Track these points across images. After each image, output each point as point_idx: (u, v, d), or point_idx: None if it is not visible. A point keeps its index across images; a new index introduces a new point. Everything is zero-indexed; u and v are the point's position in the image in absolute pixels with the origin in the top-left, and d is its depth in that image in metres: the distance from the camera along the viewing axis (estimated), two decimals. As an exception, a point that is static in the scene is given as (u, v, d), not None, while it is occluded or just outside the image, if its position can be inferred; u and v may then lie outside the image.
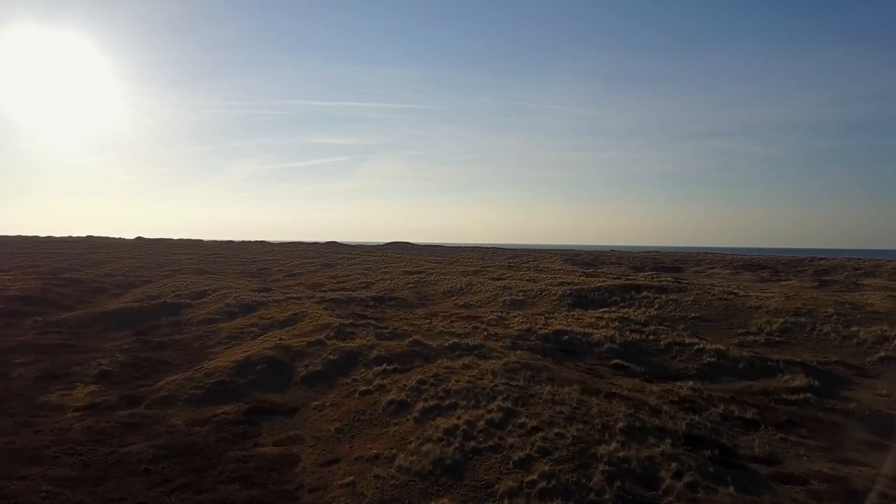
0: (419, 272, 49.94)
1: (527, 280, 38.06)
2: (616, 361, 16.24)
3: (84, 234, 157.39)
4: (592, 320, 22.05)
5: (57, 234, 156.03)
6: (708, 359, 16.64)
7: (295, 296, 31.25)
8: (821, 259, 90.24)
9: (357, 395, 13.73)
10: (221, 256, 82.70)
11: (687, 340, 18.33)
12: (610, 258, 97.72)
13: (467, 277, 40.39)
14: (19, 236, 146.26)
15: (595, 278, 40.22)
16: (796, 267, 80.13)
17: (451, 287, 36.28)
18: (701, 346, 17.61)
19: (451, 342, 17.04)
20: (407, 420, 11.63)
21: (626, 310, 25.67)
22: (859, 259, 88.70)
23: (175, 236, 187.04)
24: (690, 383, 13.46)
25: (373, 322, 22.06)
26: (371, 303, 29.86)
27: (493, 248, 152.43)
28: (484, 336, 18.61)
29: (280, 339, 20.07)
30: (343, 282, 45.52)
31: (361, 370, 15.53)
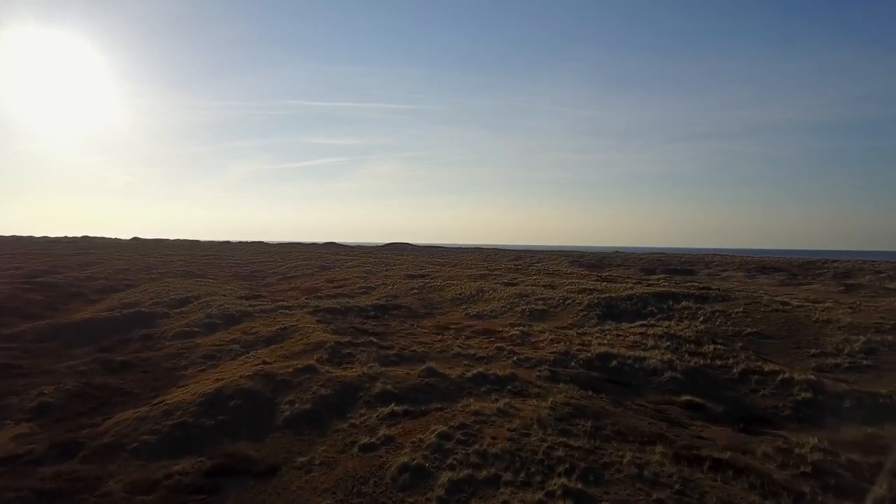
0: (423, 276, 46.48)
1: (543, 286, 34.58)
2: (687, 398, 12.79)
3: (80, 235, 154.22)
4: (636, 338, 18.57)
5: (55, 234, 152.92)
6: (802, 394, 13.18)
7: (286, 304, 27.74)
8: (834, 261, 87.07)
9: (356, 451, 10.23)
10: (215, 258, 79.36)
11: (765, 367, 14.86)
12: (615, 260, 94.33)
13: (477, 282, 36.93)
14: (14, 236, 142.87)
15: (614, 283, 36.80)
16: (813, 269, 76.93)
17: (460, 293, 32.80)
18: (786, 374, 14.15)
19: (474, 371, 13.54)
20: (428, 500, 8.15)
21: (667, 323, 22.19)
22: (874, 261, 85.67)
23: (174, 237, 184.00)
24: (814, 440, 10.00)
25: (374, 339, 18.58)
26: (372, 312, 26.37)
27: (494, 248, 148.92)
28: (513, 362, 15.14)
29: (263, 362, 16.59)
30: (341, 286, 42.04)
31: (362, 411, 12.04)
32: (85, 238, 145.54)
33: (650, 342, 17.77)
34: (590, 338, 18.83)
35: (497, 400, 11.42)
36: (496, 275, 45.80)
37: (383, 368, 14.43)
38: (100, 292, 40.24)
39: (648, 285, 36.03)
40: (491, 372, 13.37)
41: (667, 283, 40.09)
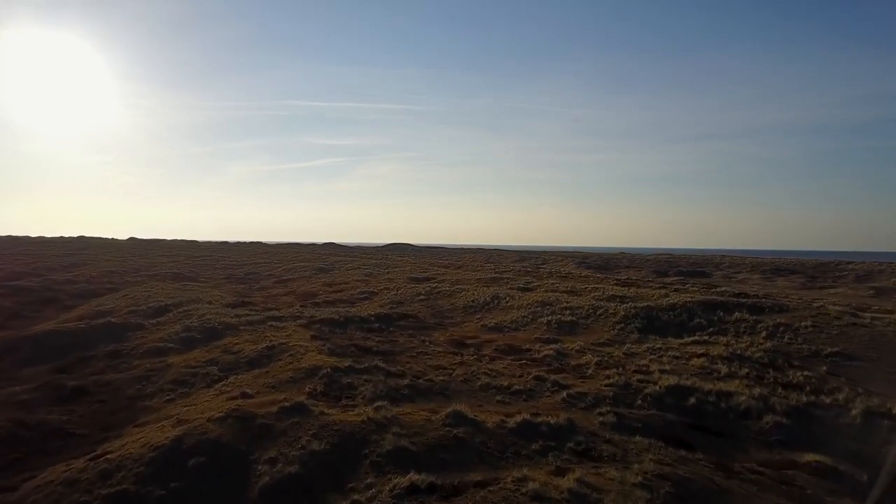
0: (428, 279, 43.15)
1: (564, 292, 31.21)
2: (813, 458, 9.41)
3: (76, 235, 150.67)
4: (701, 361, 15.20)
5: (52, 234, 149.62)
6: (964, 451, 9.90)
7: (277, 314, 24.36)
8: (848, 263, 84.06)
9: (362, 557, 6.84)
10: (210, 259, 76.08)
11: (893, 408, 11.54)
12: (621, 261, 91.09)
13: (489, 288, 33.56)
14: (9, 236, 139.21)
15: (641, 288, 33.45)
16: (829, 272, 74.18)
17: (473, 300, 29.42)
18: (927, 420, 10.86)
19: (518, 418, 10.14)
20: None
21: (723, 339, 18.81)
22: (890, 263, 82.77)
23: (173, 237, 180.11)
24: None
25: (380, 363, 15.22)
26: (375, 324, 22.99)
27: (495, 249, 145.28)
28: (562, 400, 11.75)
29: (242, 395, 13.23)
30: (340, 290, 38.67)
31: (369, 479, 8.66)
32: (81, 238, 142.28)
33: (722, 368, 14.40)
34: (644, 361, 15.45)
35: (562, 469, 8.08)
36: (507, 278, 42.39)
37: (395, 409, 11.06)
38: (77, 297, 36.95)
39: (676, 290, 32.70)
40: (540, 419, 9.99)
41: (696, 289, 36.74)
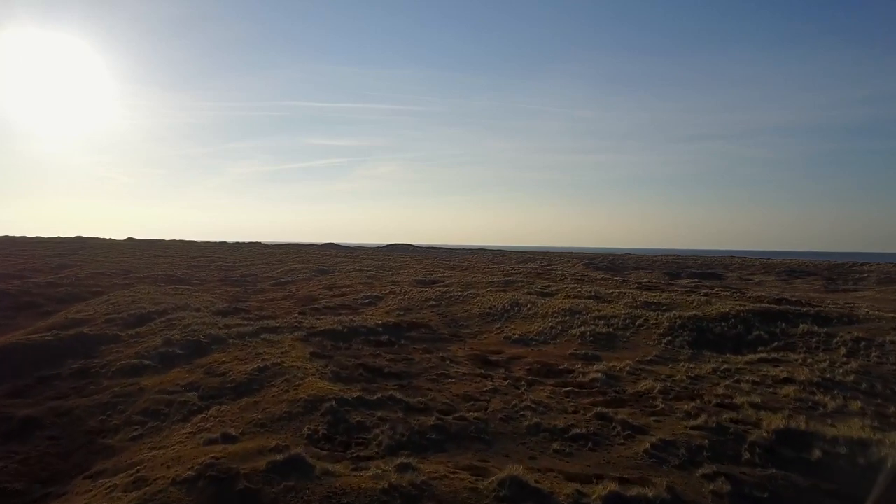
0: (435, 282, 40.38)
1: (588, 297, 28.38)
2: None
3: (74, 235, 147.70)
4: (794, 391, 12.33)
5: (51, 235, 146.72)
6: None
7: (273, 324, 21.49)
8: (862, 264, 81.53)
9: None
10: (206, 260, 73.15)
11: None
12: (628, 262, 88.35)
13: (506, 293, 30.72)
14: (6, 237, 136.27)
15: (671, 293, 30.67)
16: (848, 274, 71.71)
17: (490, 307, 26.58)
18: None
19: (602, 490, 7.25)
20: None
21: (794, 356, 15.99)
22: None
23: (172, 238, 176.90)
24: None
25: (397, 391, 12.38)
26: (384, 336, 20.17)
27: (497, 250, 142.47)
28: (645, 453, 8.83)
29: (223, 436, 10.37)
30: (342, 294, 35.83)
31: None
32: (78, 238, 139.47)
33: (826, 400, 11.54)
34: (720, 389, 12.57)
35: None
36: (520, 282, 39.53)
37: (425, 468, 8.21)
38: (59, 302, 34.03)
39: (706, 295, 29.94)
40: (635, 491, 7.15)
41: (727, 293, 34.00)
